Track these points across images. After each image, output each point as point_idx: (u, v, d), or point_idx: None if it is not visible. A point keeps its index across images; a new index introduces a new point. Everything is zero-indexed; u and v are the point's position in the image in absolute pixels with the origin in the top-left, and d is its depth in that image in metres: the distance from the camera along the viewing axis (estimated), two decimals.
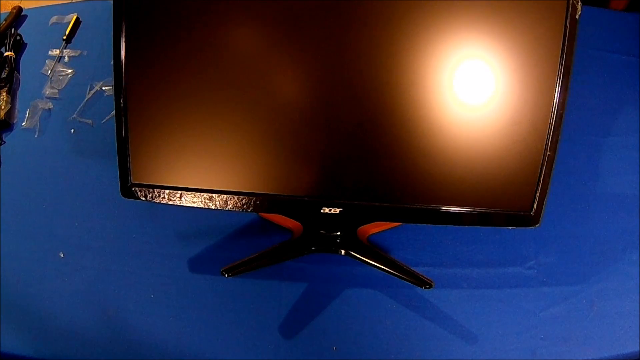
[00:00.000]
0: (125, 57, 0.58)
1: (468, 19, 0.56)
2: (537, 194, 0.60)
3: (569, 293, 0.71)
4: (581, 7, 0.55)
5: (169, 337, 0.68)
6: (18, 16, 0.91)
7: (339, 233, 0.68)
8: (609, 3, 1.01)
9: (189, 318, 0.69)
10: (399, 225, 0.74)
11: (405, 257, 0.71)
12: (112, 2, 0.56)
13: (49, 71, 0.86)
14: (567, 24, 0.55)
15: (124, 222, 0.75)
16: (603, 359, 0.67)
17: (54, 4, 0.97)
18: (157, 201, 0.62)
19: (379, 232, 0.74)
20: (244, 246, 0.72)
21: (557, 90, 0.57)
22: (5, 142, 0.82)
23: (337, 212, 0.63)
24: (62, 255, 0.73)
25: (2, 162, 0.80)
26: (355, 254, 0.68)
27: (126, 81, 0.59)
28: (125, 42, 0.57)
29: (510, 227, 0.62)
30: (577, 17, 0.55)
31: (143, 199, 0.62)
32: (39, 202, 0.76)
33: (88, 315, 0.69)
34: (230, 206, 0.62)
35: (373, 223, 0.72)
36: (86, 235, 0.74)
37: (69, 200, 0.76)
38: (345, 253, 0.68)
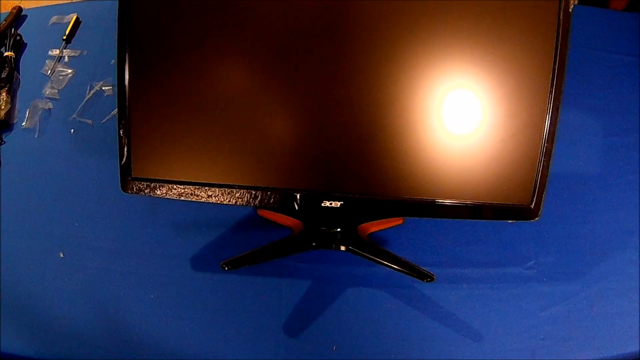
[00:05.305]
0: (129, 55, 0.59)
1: (464, 17, 0.56)
2: (536, 187, 0.60)
3: (569, 293, 0.71)
4: (574, 0, 0.55)
5: (169, 337, 0.68)
6: (18, 16, 0.91)
7: (339, 230, 0.69)
8: (609, 3, 1.01)
9: (189, 318, 0.69)
10: (399, 224, 0.74)
11: (405, 256, 0.71)
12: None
13: (49, 71, 0.86)
14: (561, 17, 0.56)
15: (124, 222, 0.75)
16: (603, 359, 0.67)
17: (54, 4, 0.97)
18: (157, 195, 0.62)
19: (379, 230, 0.74)
20: (244, 246, 0.71)
21: (553, 82, 0.57)
22: (5, 142, 0.82)
23: (338, 205, 0.63)
24: (62, 255, 0.73)
25: (2, 162, 0.80)
26: (356, 249, 0.68)
27: (129, 78, 0.59)
28: (129, 41, 0.58)
29: (510, 221, 0.62)
30: (570, 10, 0.56)
31: (143, 193, 0.62)
32: (39, 202, 0.76)
33: (88, 315, 0.69)
34: (231, 200, 0.62)
35: (373, 221, 0.72)
36: (86, 235, 0.74)
37: (69, 200, 0.76)
38: (346, 249, 0.68)
